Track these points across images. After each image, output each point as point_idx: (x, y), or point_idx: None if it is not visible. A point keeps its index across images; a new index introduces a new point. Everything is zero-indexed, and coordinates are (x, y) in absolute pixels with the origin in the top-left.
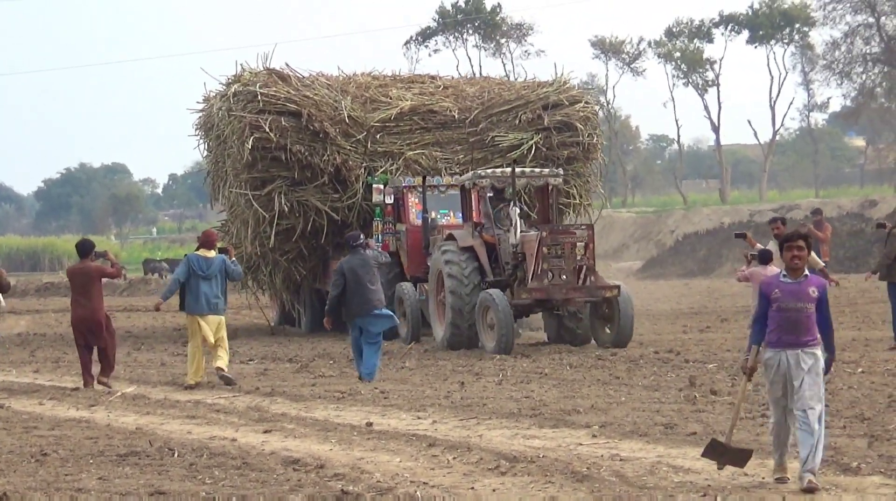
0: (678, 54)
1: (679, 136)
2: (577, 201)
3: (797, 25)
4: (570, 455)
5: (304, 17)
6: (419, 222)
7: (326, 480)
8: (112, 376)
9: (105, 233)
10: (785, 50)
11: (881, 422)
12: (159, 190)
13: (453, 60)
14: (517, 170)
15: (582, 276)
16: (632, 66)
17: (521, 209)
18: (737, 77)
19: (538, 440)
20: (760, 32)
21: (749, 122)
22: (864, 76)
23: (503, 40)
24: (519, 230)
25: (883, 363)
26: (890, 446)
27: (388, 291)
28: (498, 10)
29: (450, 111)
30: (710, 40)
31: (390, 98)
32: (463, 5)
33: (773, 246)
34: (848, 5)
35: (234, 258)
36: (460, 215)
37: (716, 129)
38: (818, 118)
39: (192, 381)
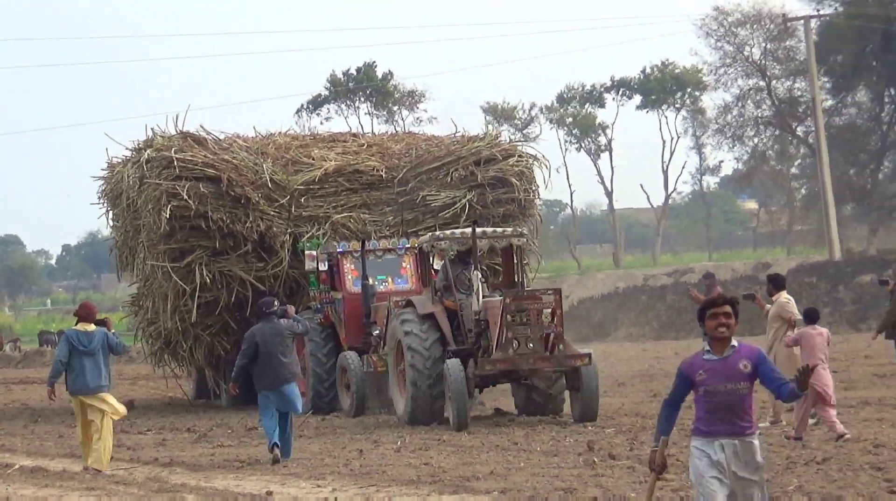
0: (570, 119)
1: (572, 201)
2: (523, 262)
3: (689, 90)
4: None
5: (191, 85)
6: (356, 289)
7: None
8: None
9: None
10: (677, 114)
11: (780, 484)
12: (53, 261)
13: (345, 128)
14: (478, 230)
15: (550, 344)
16: (524, 131)
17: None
18: (629, 141)
19: None
20: (652, 97)
21: (641, 186)
22: (755, 140)
23: (395, 107)
24: (482, 296)
25: (778, 425)
26: None
27: (327, 363)
28: (389, 77)
29: (376, 171)
30: (602, 105)
31: (312, 159)
32: (354, 73)
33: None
34: (739, 69)
35: (114, 330)
36: (399, 280)
37: (609, 193)
38: (710, 182)
39: (88, 463)
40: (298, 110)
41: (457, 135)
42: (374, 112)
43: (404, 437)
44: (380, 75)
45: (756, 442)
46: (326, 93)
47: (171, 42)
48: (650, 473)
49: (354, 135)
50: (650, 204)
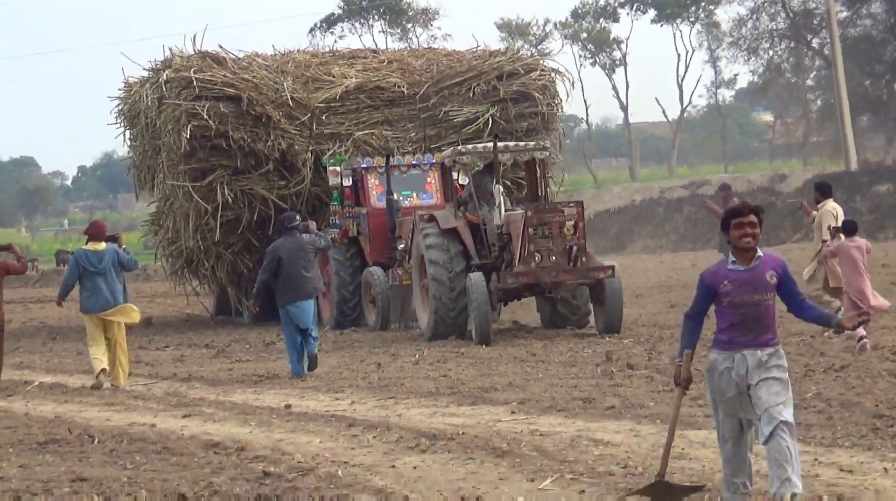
0: (585, 35)
1: (588, 115)
2: (546, 176)
3: (703, 3)
4: (490, 431)
5: (203, 5)
6: (381, 204)
7: (247, 462)
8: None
9: (15, 226)
10: (691, 28)
11: (798, 391)
12: (69, 182)
13: (359, 46)
14: (500, 144)
15: (573, 257)
16: (538, 47)
17: (505, 186)
18: (644, 56)
19: (457, 417)
20: (667, 11)
21: (657, 100)
22: (770, 52)
23: (409, 25)
24: (504, 209)
25: (798, 334)
26: (807, 414)
27: (352, 279)
28: None
29: (398, 87)
30: (616, 20)
31: (333, 76)
32: None
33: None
34: None
35: (125, 246)
36: (424, 195)
37: (624, 108)
38: (726, 95)
39: (98, 370)
40: (312, 30)
41: (478, 50)
42: (388, 30)
43: (423, 350)
44: None
45: (781, 351)
46: (339, 12)
47: None
48: (675, 388)
49: (374, 51)
50: (666, 118)
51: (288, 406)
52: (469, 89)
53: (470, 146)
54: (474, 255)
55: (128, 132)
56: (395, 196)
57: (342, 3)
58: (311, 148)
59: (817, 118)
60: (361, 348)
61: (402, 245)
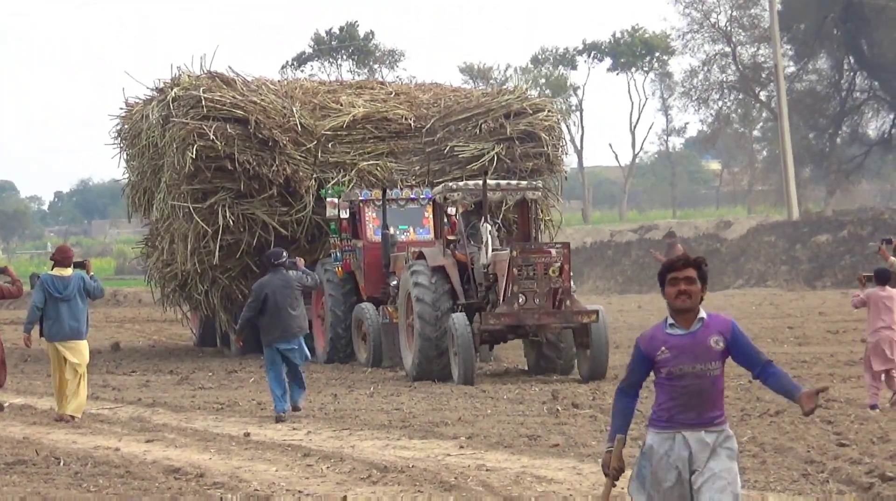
0: (543, 80)
1: None
2: (538, 217)
3: (657, 54)
4: (439, 465)
5: (181, 37)
6: (377, 238)
7: (206, 488)
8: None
9: None
10: (645, 77)
11: (735, 434)
12: (45, 207)
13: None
14: (491, 182)
15: (557, 300)
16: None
17: (495, 225)
18: (599, 102)
19: (408, 450)
20: (622, 60)
21: (610, 145)
22: (720, 103)
23: (376, 66)
24: (491, 249)
25: (736, 378)
26: (742, 458)
27: (346, 313)
28: (371, 36)
29: (405, 119)
30: (574, 67)
31: (341, 105)
32: (337, 32)
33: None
34: (706, 35)
35: (92, 274)
36: (421, 230)
37: (578, 152)
38: (676, 142)
39: (62, 411)
40: (283, 67)
41: (485, 88)
42: (356, 70)
43: (377, 383)
44: (361, 34)
45: (729, 431)
46: (310, 50)
47: None
48: (605, 477)
49: (382, 83)
50: (618, 163)
51: (247, 434)
52: (476, 126)
53: (461, 183)
54: (460, 294)
55: (126, 153)
56: (392, 230)
57: (313, 44)
58: (315, 175)
59: (762, 168)
60: (319, 380)
61: (395, 281)
